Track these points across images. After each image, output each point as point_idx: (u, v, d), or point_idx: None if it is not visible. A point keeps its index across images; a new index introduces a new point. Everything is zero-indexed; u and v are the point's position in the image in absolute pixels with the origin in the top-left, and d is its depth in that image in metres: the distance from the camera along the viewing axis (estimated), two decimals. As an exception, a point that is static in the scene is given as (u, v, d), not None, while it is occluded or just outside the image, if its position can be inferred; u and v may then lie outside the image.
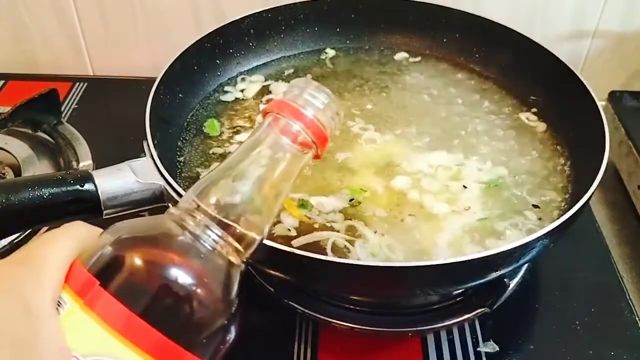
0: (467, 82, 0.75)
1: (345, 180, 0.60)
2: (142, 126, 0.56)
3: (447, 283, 0.50)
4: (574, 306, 0.59)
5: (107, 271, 0.33)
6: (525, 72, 0.71)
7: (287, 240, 0.53)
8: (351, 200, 0.58)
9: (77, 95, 0.88)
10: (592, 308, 0.59)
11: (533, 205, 0.58)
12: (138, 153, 0.54)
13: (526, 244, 0.46)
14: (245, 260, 0.38)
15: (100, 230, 0.36)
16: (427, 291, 0.53)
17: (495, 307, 0.57)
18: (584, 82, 0.63)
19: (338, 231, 0.55)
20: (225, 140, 0.66)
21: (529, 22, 0.85)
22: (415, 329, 0.56)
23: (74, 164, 0.74)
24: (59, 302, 0.32)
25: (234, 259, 0.36)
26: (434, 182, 0.60)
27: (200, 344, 0.34)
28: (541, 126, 0.68)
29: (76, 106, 0.85)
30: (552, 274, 0.63)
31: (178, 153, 0.64)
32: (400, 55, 0.78)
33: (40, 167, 0.73)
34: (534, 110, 0.70)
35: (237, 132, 0.67)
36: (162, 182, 0.51)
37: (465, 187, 0.60)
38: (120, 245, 0.34)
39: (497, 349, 0.55)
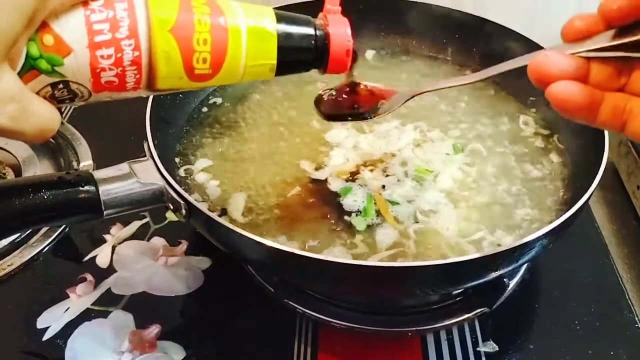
0: (466, 82, 0.75)
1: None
2: (142, 126, 0.56)
3: (447, 283, 0.51)
4: (573, 306, 0.60)
5: None
6: (525, 72, 0.71)
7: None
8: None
9: (77, 96, 0.87)
10: (592, 308, 0.59)
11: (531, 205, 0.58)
12: (138, 153, 0.54)
13: (526, 243, 0.46)
14: None
15: None
16: (427, 291, 0.54)
17: (494, 306, 0.57)
18: (584, 82, 0.62)
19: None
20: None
21: (529, 22, 0.85)
22: (415, 328, 0.57)
23: (75, 164, 0.74)
24: None
25: None
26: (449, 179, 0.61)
27: None
28: (540, 126, 0.68)
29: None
30: (551, 273, 0.63)
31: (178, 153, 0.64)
32: (400, 56, 0.79)
33: (41, 167, 0.73)
34: (533, 110, 0.70)
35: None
36: (162, 183, 0.51)
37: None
38: None
39: (497, 348, 0.56)
